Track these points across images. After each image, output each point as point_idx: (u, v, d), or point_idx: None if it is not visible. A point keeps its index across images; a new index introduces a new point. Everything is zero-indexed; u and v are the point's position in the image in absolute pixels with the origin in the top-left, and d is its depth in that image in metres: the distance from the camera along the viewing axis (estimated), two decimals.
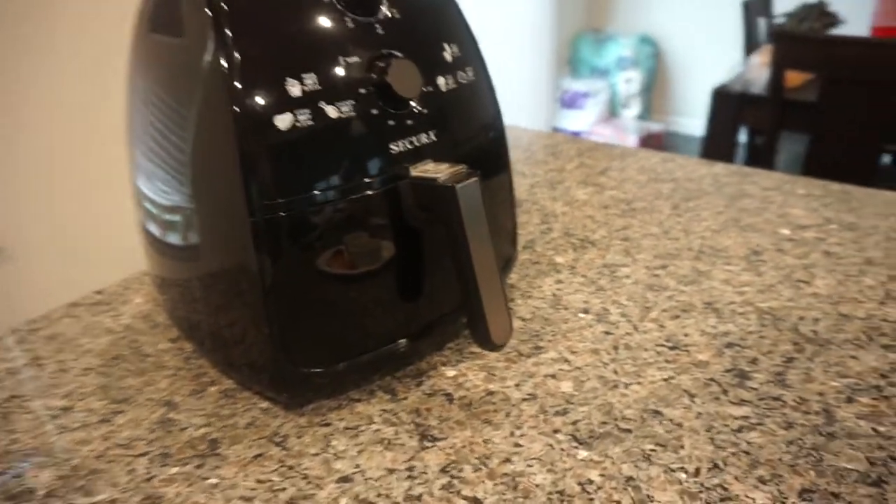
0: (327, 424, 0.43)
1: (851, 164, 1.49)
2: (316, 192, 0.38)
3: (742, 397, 0.44)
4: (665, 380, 0.46)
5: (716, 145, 1.76)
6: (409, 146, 0.42)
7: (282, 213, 0.38)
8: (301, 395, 0.44)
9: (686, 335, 0.51)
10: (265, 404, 0.45)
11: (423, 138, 0.42)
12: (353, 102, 0.39)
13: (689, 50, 3.29)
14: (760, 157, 2.05)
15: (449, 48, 0.45)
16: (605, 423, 0.42)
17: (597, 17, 3.53)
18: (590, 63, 3.44)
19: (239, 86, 0.36)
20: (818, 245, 0.63)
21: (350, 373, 0.44)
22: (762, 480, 0.37)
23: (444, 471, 0.39)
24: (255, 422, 0.44)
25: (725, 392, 0.44)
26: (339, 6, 0.40)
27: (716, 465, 0.39)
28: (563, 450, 0.40)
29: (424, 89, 0.42)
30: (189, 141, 0.41)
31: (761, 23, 2.36)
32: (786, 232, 0.66)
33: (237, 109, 0.36)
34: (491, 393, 0.45)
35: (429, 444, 0.41)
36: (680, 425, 0.42)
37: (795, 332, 0.50)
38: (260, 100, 0.36)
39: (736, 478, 0.38)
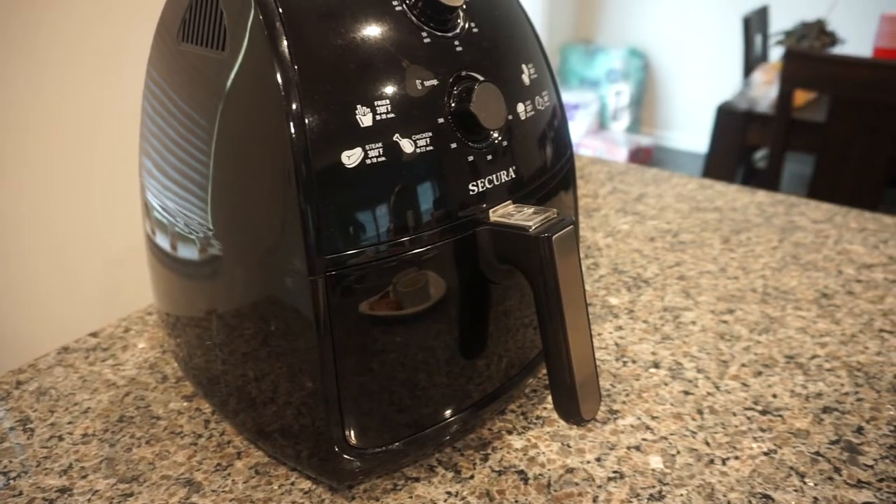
0: None
1: (858, 188, 1.47)
2: (386, 243, 0.32)
3: (859, 477, 0.38)
4: (766, 454, 0.40)
5: (719, 163, 1.73)
6: (488, 185, 0.35)
7: (347, 269, 0.31)
8: (347, 475, 0.37)
9: (775, 396, 0.45)
10: (305, 484, 0.38)
11: (503, 175, 0.36)
12: (430, 135, 0.32)
13: (678, 64, 3.28)
14: (759, 176, 2.03)
15: (527, 68, 0.39)
16: None
17: (586, 28, 3.51)
18: (580, 74, 3.42)
19: (299, 114, 0.29)
20: (891, 288, 0.58)
21: (409, 448, 0.37)
22: None
23: None
24: None
25: (838, 471, 0.39)
26: (413, 18, 0.33)
27: None
28: None
29: (505, 118, 0.36)
30: (225, 169, 0.34)
31: (757, 39, 2.35)
32: (851, 272, 0.61)
33: (296, 142, 0.29)
34: (570, 470, 0.39)
35: None
36: None
37: (892, 394, 0.45)
38: (324, 131, 0.30)
39: None
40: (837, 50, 1.91)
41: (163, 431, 0.42)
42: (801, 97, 1.66)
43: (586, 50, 3.39)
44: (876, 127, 1.41)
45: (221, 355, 0.40)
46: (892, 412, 0.43)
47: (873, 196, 1.47)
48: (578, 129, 3.21)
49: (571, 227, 0.34)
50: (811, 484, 0.38)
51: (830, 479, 0.38)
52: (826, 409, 0.44)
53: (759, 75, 1.83)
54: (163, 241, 0.42)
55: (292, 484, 0.38)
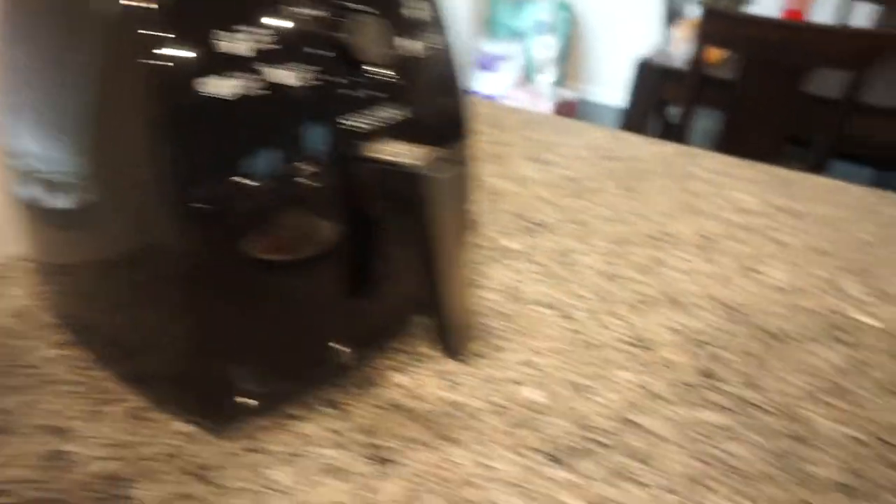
0: (260, 451, 0.36)
1: (761, 144, 1.55)
2: (251, 174, 0.31)
3: (718, 402, 0.41)
4: (640, 386, 0.43)
5: (637, 117, 1.77)
6: (368, 122, 0.34)
7: (209, 201, 0.30)
8: (229, 416, 0.37)
9: (654, 333, 0.48)
10: (185, 427, 0.38)
11: (383, 112, 0.35)
12: (312, 66, 0.31)
13: (604, 19, 3.31)
14: (672, 131, 2.10)
15: (415, 4, 0.38)
16: (581, 437, 0.38)
17: None
18: (507, 25, 3.39)
19: (152, 35, 0.27)
20: (769, 234, 0.62)
21: (294, 389, 0.37)
22: (746, 496, 0.35)
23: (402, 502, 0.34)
24: (173, 451, 0.36)
25: (704, 398, 0.42)
26: None
27: (696, 481, 0.36)
28: (535, 470, 0.36)
29: (389, 53, 0.35)
30: (81, 98, 0.32)
31: None
32: (736, 219, 0.64)
33: (149, 67, 0.27)
34: (453, 404, 0.40)
35: (385, 471, 0.35)
36: (660, 436, 0.39)
37: (760, 330, 0.48)
38: (182, 56, 0.28)
39: (719, 493, 0.35)
40: (748, 10, 1.97)
41: (35, 380, 0.40)
42: (716, 55, 1.71)
43: (514, 0, 3.35)
44: (783, 87, 1.48)
45: (94, 303, 0.38)
46: (755, 345, 0.47)
47: (774, 152, 1.55)
48: (503, 80, 3.20)
49: (459, 167, 0.34)
50: (675, 409, 0.41)
51: (694, 404, 0.41)
52: (699, 344, 0.47)
53: (676, 31, 1.87)
54: (24, 187, 0.39)
55: (170, 428, 0.37)
